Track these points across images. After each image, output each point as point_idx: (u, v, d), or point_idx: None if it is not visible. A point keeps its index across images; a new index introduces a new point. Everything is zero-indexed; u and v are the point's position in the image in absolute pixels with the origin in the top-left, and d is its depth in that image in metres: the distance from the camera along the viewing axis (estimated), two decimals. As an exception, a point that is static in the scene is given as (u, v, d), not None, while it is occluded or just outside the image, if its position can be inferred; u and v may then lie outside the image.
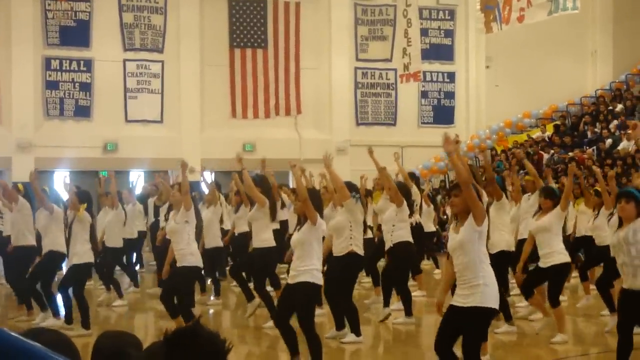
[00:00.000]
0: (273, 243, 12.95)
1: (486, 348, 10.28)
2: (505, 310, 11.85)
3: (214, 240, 14.83)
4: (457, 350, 7.74)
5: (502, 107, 31.45)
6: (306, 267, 9.33)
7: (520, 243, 12.70)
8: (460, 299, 7.57)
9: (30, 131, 26.52)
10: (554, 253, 11.19)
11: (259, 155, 28.25)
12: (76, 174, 27.11)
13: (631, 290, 8.31)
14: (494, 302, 7.56)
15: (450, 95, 32.15)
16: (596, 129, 28.46)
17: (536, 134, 30.33)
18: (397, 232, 12.88)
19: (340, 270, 11.45)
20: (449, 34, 32.14)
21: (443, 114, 31.92)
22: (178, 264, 11.28)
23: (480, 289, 7.45)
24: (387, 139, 30.61)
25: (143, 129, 27.95)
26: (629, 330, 8.39)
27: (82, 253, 12.26)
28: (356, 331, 11.57)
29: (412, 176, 17.01)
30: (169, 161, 27.92)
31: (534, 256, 11.76)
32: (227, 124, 28.89)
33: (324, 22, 30.23)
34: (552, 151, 28.00)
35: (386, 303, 13.24)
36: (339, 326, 11.76)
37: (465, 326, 7.57)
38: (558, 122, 30.36)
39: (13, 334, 1.91)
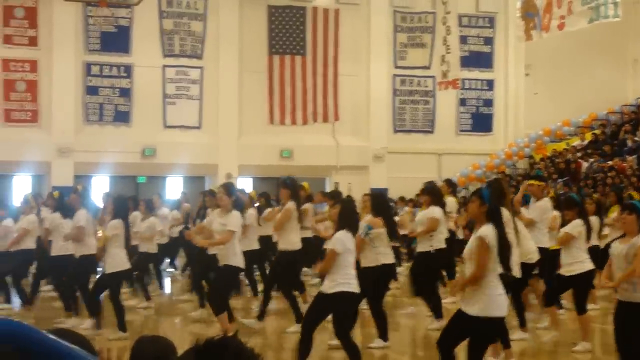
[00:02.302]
0: (299, 246, 12.96)
1: (511, 354, 10.24)
2: (520, 316, 11.88)
3: (250, 243, 14.76)
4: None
5: (541, 115, 31.24)
6: (343, 278, 9.32)
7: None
8: (465, 305, 7.84)
9: (70, 136, 26.72)
10: (575, 263, 11.14)
11: (296, 161, 28.45)
12: (114, 178, 27.39)
13: (627, 302, 8.38)
14: (497, 312, 7.78)
15: (489, 102, 32.00)
16: (636, 138, 28.18)
17: (575, 142, 30.09)
18: (438, 235, 12.94)
19: (373, 281, 11.41)
20: (489, 41, 32.00)
21: (481, 122, 31.79)
22: (220, 263, 11.34)
23: (485, 299, 7.69)
24: (424, 146, 30.56)
25: (181, 134, 28.06)
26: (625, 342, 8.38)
27: (118, 260, 12.30)
28: (384, 336, 11.56)
29: (449, 183, 16.91)
30: (206, 167, 28.09)
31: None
32: (264, 130, 28.94)
33: (363, 29, 30.22)
34: (591, 160, 27.77)
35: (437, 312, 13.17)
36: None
37: (468, 333, 7.83)
38: (597, 131, 30.10)
39: (51, 336, 1.92)
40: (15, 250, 15.00)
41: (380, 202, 11.89)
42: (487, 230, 7.71)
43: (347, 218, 9.52)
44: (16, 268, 14.94)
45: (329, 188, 28.06)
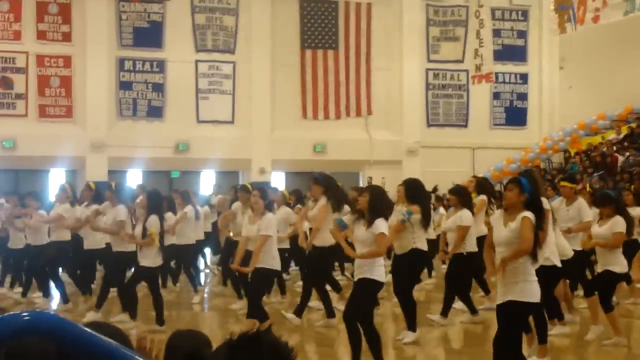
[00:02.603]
0: (333, 241, 12.89)
1: (545, 352, 10.11)
2: (557, 310, 11.75)
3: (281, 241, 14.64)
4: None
5: (575, 108, 30.99)
6: (370, 265, 9.35)
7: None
8: (500, 297, 7.89)
9: (104, 131, 26.86)
10: (610, 264, 11.01)
11: (329, 156, 28.44)
12: (148, 173, 27.51)
13: None
14: (534, 298, 7.77)
15: (523, 96, 31.79)
16: (673, 131, 27.88)
17: (611, 135, 29.82)
18: (469, 239, 12.78)
19: (405, 266, 11.44)
20: (522, 34, 31.78)
21: (515, 116, 31.59)
22: (258, 265, 11.26)
23: (519, 286, 7.72)
24: (458, 140, 30.43)
25: (214, 129, 28.12)
26: None
27: (153, 256, 12.31)
28: (412, 327, 11.51)
29: (485, 181, 16.60)
30: (239, 162, 28.14)
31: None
32: (297, 125, 28.93)
33: (396, 23, 30.12)
34: (627, 153, 27.51)
35: (445, 311, 13.10)
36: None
37: (499, 320, 7.89)
38: (633, 124, 29.80)
39: (87, 329, 1.90)
40: (49, 243, 15.05)
41: (414, 190, 11.75)
42: (529, 214, 7.71)
43: (378, 204, 9.48)
44: (51, 260, 14.95)
45: (362, 182, 28.04)
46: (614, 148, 28.28)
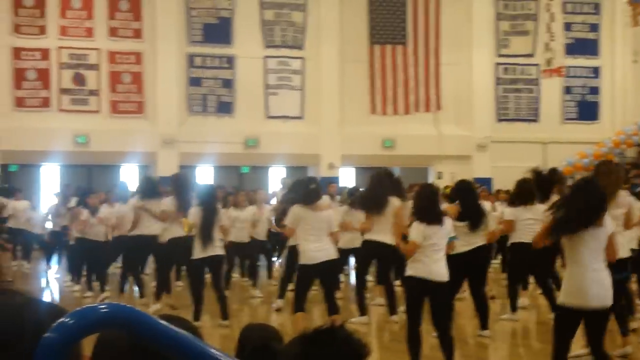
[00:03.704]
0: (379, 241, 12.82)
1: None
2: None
3: (351, 240, 14.47)
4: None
5: (650, 102, 30.49)
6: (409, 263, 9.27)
7: None
8: None
9: (175, 127, 27.11)
10: None
11: (398, 151, 28.34)
12: (218, 169, 27.71)
13: None
14: (576, 300, 7.74)
15: (595, 90, 31.35)
16: None
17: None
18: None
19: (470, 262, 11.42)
20: (594, 28, 31.33)
21: (587, 110, 31.17)
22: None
23: (565, 288, 7.94)
24: (528, 135, 30.12)
25: (283, 125, 28.21)
26: None
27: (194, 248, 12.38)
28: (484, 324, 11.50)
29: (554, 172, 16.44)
30: (308, 157, 28.20)
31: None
32: (366, 120, 28.87)
33: (465, 18, 29.90)
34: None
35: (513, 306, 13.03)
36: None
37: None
38: None
39: (162, 321, 1.90)
40: (107, 240, 15.27)
41: (458, 190, 11.79)
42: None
43: (419, 207, 9.36)
44: (111, 255, 15.16)
45: (431, 178, 27.92)
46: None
